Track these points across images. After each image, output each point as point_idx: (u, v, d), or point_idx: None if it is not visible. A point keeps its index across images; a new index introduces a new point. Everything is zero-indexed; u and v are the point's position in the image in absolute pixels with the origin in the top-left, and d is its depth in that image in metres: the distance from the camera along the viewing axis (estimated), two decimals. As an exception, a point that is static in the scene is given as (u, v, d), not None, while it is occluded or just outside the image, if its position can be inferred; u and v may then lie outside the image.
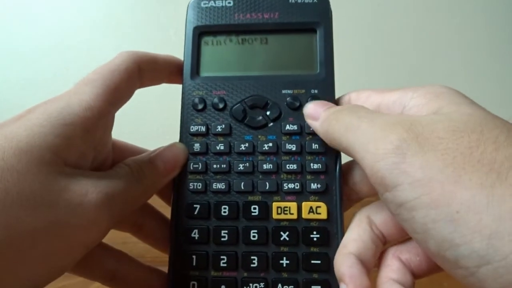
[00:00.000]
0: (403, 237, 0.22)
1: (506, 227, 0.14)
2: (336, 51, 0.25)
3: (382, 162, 0.17)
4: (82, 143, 0.20)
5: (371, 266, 0.20)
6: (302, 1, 0.26)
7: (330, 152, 0.23)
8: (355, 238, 0.21)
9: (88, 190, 0.19)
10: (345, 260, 0.19)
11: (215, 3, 0.26)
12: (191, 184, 0.23)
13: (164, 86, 0.26)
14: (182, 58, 0.26)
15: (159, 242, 0.25)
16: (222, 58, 0.26)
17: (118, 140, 0.25)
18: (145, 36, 0.60)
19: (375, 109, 0.22)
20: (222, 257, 0.22)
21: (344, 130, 0.20)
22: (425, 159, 0.16)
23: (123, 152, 0.25)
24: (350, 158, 0.24)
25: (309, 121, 0.23)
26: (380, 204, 0.22)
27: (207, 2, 0.26)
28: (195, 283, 0.22)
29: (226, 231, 0.22)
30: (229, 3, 0.26)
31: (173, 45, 0.59)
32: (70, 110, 0.19)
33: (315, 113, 0.22)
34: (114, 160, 0.24)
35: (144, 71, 0.23)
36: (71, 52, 0.59)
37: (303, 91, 0.24)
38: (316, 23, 0.25)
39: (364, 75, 0.56)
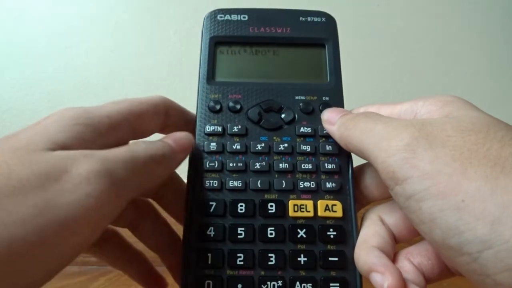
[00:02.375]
0: (412, 237, 0.22)
1: (509, 213, 0.15)
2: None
3: (393, 157, 0.18)
4: (92, 143, 0.19)
5: (391, 260, 0.20)
6: (312, 20, 0.28)
7: (343, 154, 0.24)
8: (373, 233, 0.21)
9: (81, 160, 0.17)
10: (371, 253, 0.20)
11: (230, 17, 0.28)
12: (207, 181, 0.23)
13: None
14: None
15: (152, 243, 0.25)
16: (237, 66, 0.27)
17: None
18: (145, 36, 0.60)
19: None
20: (238, 255, 0.22)
21: (360, 133, 0.21)
22: (434, 154, 0.17)
23: None
24: (360, 163, 0.25)
25: (326, 126, 0.24)
26: (390, 204, 0.23)
27: (223, 15, 0.28)
28: (210, 282, 0.21)
29: (243, 229, 0.22)
30: (244, 17, 0.27)
31: (173, 45, 0.60)
32: (86, 114, 0.19)
33: (332, 118, 0.24)
34: None
35: (170, 117, 0.24)
36: (71, 52, 0.58)
37: (315, 97, 0.26)
38: (325, 39, 0.27)
39: (364, 80, 0.58)
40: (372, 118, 0.21)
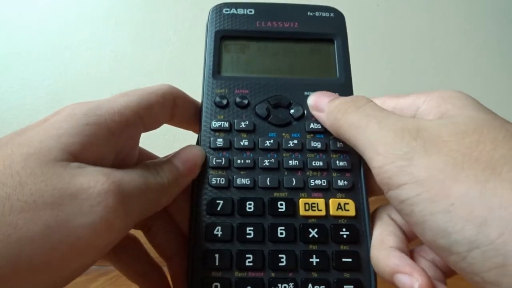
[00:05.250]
0: None
1: (496, 215, 0.15)
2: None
3: (391, 165, 0.18)
4: (104, 143, 0.19)
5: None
6: (320, 15, 0.27)
7: (354, 151, 0.23)
8: (388, 233, 0.21)
9: (99, 180, 0.16)
10: (391, 254, 0.19)
11: (236, 11, 0.27)
12: (213, 179, 0.22)
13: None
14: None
15: (161, 248, 0.24)
16: (244, 61, 0.26)
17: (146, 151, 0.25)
18: (145, 36, 0.59)
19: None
20: (247, 256, 0.21)
21: (350, 127, 0.21)
22: (429, 161, 0.17)
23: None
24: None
25: (314, 113, 0.23)
26: None
27: (228, 9, 0.27)
28: (218, 284, 0.20)
29: (252, 228, 0.21)
30: (251, 11, 0.27)
31: (173, 45, 0.59)
32: (97, 111, 0.19)
33: (320, 104, 0.23)
34: None
35: (178, 107, 0.23)
36: (71, 52, 0.58)
37: None
38: (333, 34, 0.26)
39: (361, 81, 0.58)
40: (363, 112, 0.21)
